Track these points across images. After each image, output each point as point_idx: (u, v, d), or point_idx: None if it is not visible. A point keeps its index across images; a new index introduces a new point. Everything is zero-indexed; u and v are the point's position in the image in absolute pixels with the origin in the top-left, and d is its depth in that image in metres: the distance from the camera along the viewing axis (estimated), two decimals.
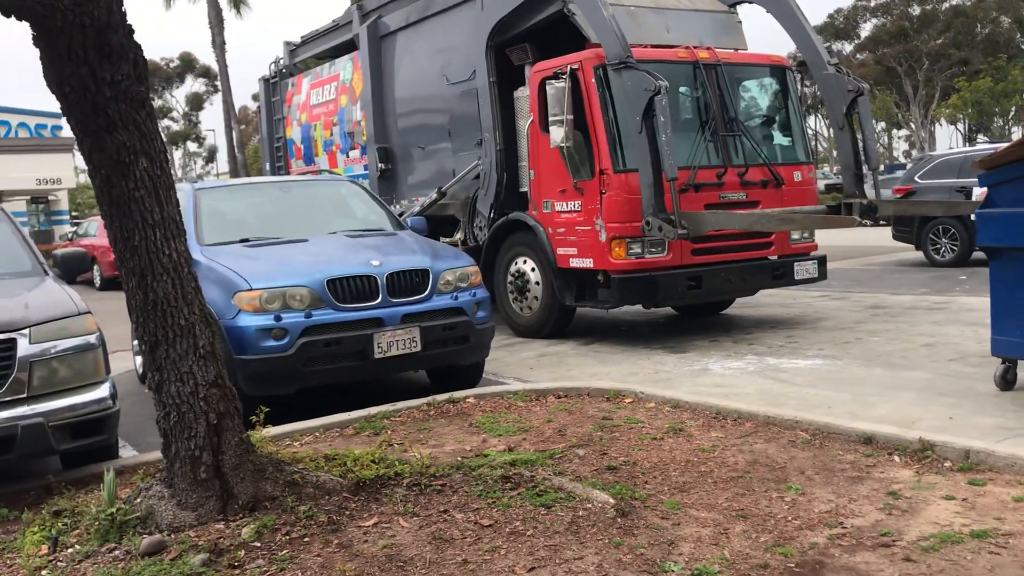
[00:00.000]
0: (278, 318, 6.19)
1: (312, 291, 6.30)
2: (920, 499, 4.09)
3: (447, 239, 10.48)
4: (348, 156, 13.00)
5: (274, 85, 14.97)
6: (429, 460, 4.84)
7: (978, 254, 13.97)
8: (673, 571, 3.48)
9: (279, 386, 6.27)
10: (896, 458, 4.69)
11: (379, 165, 11.98)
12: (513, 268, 9.83)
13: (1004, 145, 6.31)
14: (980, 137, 57.66)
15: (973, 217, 12.99)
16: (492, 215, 10.02)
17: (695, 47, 9.22)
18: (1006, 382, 6.09)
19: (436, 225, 10.45)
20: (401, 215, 9.81)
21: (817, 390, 6.49)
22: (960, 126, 62.15)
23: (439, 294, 6.71)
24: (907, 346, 7.94)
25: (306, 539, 3.92)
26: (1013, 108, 53.95)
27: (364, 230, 7.68)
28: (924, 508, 3.98)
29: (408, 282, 6.62)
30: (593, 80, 8.66)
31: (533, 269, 9.57)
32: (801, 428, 5.29)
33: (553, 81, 8.70)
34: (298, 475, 4.36)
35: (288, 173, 14.38)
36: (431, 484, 4.52)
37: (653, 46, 9.06)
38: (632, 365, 7.94)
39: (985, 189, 6.25)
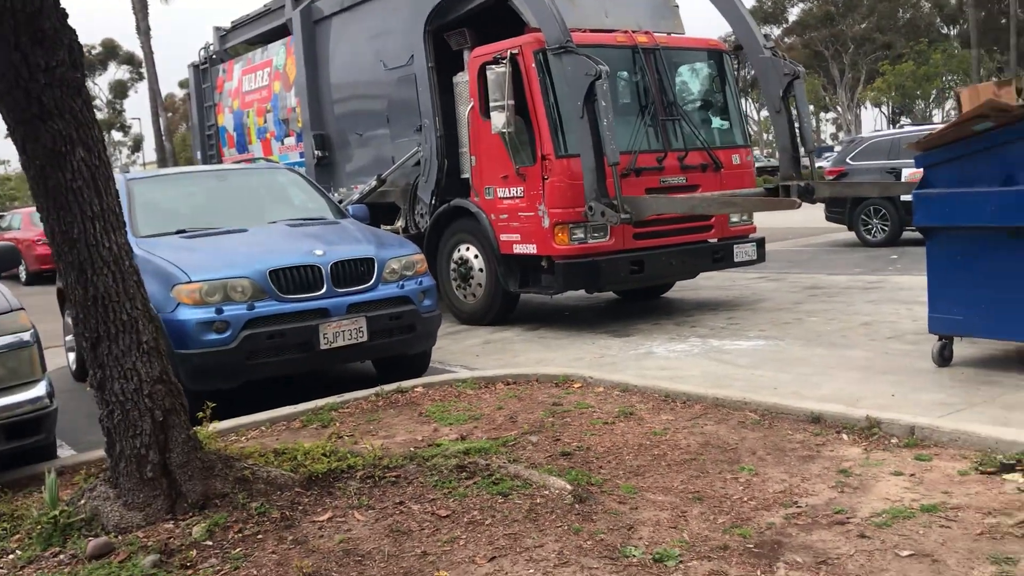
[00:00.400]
0: (219, 311, 6.04)
1: (254, 282, 6.16)
2: (870, 476, 4.17)
3: (388, 227, 10.36)
4: (283, 143, 12.76)
5: (204, 71, 14.60)
6: (381, 451, 4.78)
7: (908, 234, 14.38)
8: (634, 556, 3.49)
9: (222, 380, 6.12)
10: (844, 436, 4.78)
11: (316, 152, 11.79)
12: (456, 255, 9.76)
13: (934, 127, 6.46)
14: (903, 119, 59.23)
15: (904, 198, 13.45)
16: (433, 202, 9.93)
17: (633, 31, 9.25)
18: (943, 358, 6.25)
19: (376, 213, 10.32)
20: (340, 203, 9.67)
21: (761, 371, 6.58)
22: (884, 109, 63.75)
23: (385, 283, 6.62)
24: (845, 326, 8.10)
25: (260, 536, 3.83)
26: (934, 91, 55.50)
27: (305, 219, 7.54)
28: (875, 485, 4.06)
29: (353, 271, 6.52)
30: (533, 65, 8.62)
31: (476, 256, 9.52)
32: (750, 409, 5.36)
33: (493, 66, 8.63)
34: (248, 471, 4.27)
35: (221, 162, 14.06)
36: (385, 476, 4.47)
37: (592, 30, 9.05)
38: (578, 350, 7.96)
39: (916, 170, 6.39)
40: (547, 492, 4.15)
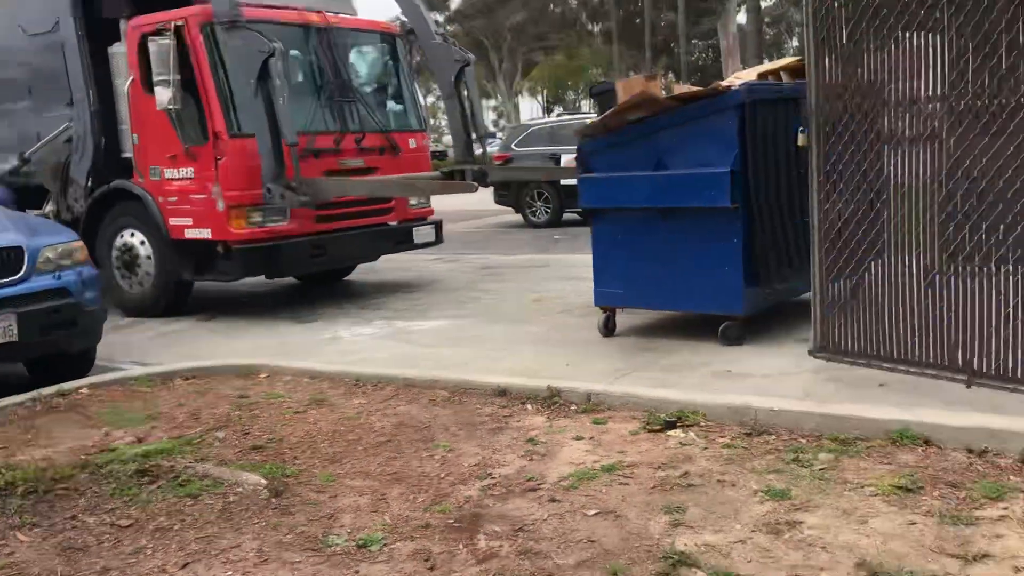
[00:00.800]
0: None
1: None
2: (555, 442, 4.43)
3: (35, 211, 9.30)
4: None
5: None
6: (45, 463, 4.29)
7: (568, 215, 15.46)
8: (338, 544, 3.43)
9: None
10: (529, 407, 5.03)
11: None
12: (119, 242, 8.99)
13: (588, 116, 7.00)
14: (557, 109, 63.48)
15: (564, 182, 14.43)
16: (90, 184, 9.05)
17: (305, 10, 9.03)
18: (608, 329, 6.80)
19: (20, 196, 9.25)
20: None
21: (447, 349, 6.75)
22: (540, 98, 67.87)
23: (39, 274, 5.93)
24: (520, 303, 8.54)
25: None
26: (582, 83, 60.01)
27: None
28: (560, 450, 4.32)
29: None
30: (201, 38, 8.12)
31: (143, 242, 8.83)
32: (440, 387, 5.47)
33: (156, 38, 8.01)
34: None
35: None
36: (52, 489, 4.03)
37: (263, 6, 8.71)
38: (261, 338, 7.67)
39: (574, 156, 6.90)
40: (240, 489, 3.96)
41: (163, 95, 7.98)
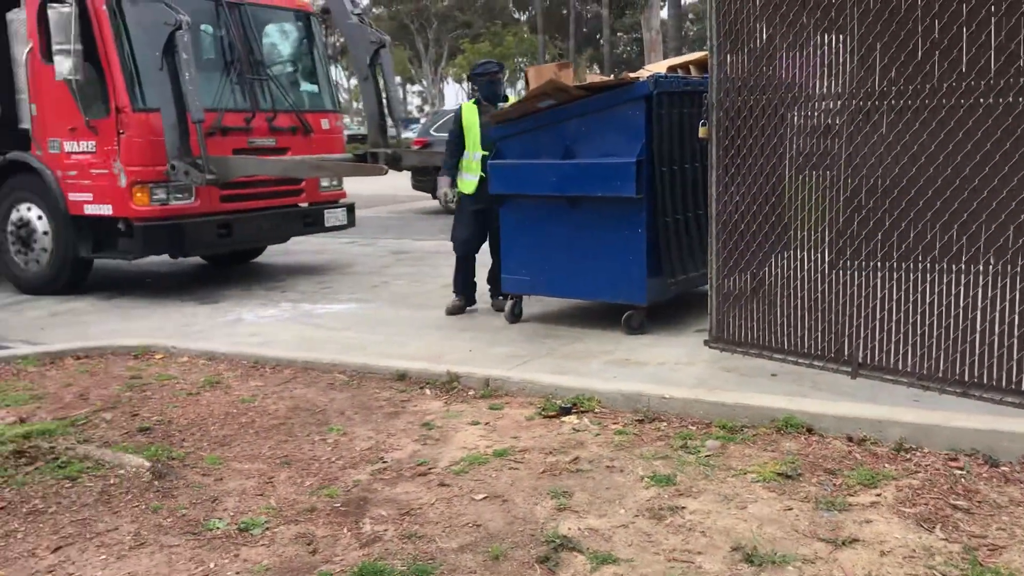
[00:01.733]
0: None
1: None
2: (451, 427, 4.42)
3: None
4: None
5: None
6: None
7: None
8: (219, 528, 3.37)
9: None
10: (428, 391, 5.02)
11: None
12: (15, 216, 8.66)
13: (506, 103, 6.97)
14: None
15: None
16: None
17: None
18: (514, 315, 6.82)
19: None
20: None
21: (352, 332, 6.69)
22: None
23: None
24: (430, 288, 8.49)
25: None
26: (507, 71, 60.00)
27: None
28: (454, 435, 4.32)
29: None
30: (104, 7, 7.86)
31: (40, 217, 8.52)
32: (339, 370, 5.42)
33: (56, 5, 7.71)
34: None
35: None
36: None
37: None
38: (161, 319, 7.48)
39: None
40: (122, 471, 3.85)
41: (63, 65, 7.69)
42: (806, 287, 4.83)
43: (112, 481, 3.77)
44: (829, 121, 4.67)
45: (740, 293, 5.08)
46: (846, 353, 4.61)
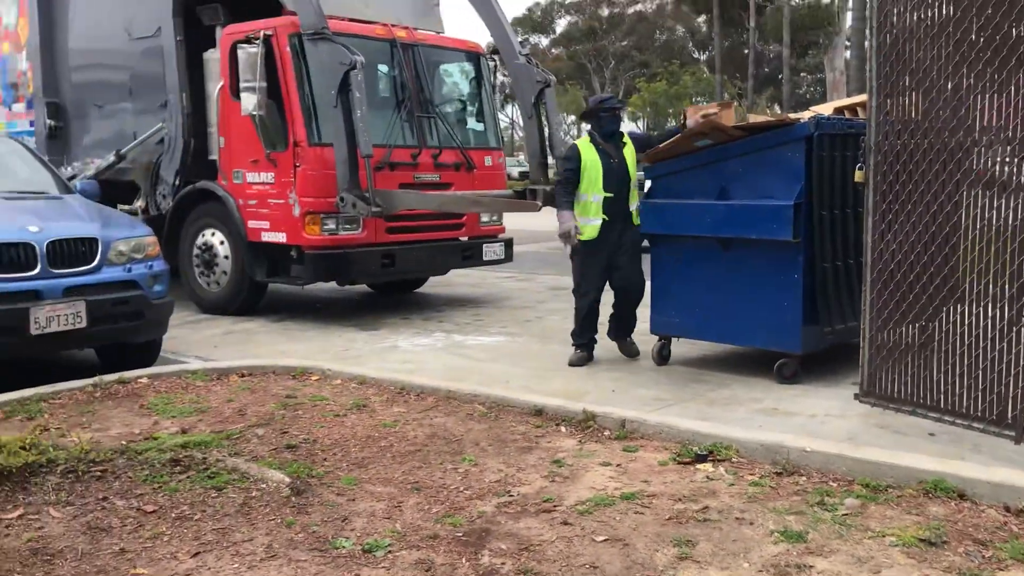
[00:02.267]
0: None
1: None
2: (581, 466, 4.39)
3: (126, 207, 9.74)
4: (11, 110, 11.65)
5: None
6: (90, 445, 4.48)
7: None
8: (344, 547, 3.48)
9: None
10: (563, 428, 5.01)
11: (48, 122, 10.85)
12: (200, 240, 9.34)
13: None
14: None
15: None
16: (177, 183, 9.44)
17: (393, 26, 9.25)
18: (662, 357, 6.71)
19: (115, 191, 9.68)
20: (73, 178, 8.98)
21: (498, 365, 6.78)
22: (640, 123, 67.65)
23: (110, 265, 6.21)
24: None
25: None
26: (681, 111, 59.53)
27: (23, 192, 6.91)
28: (584, 474, 4.28)
29: (73, 251, 6.06)
30: (288, 48, 8.42)
31: (222, 242, 9.15)
32: (479, 402, 5.50)
33: (245, 46, 8.33)
34: None
35: None
36: (90, 470, 4.20)
37: (351, 20, 8.96)
38: (323, 342, 7.85)
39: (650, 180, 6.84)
40: (264, 485, 4.05)
41: (248, 101, 8.27)
42: (971, 343, 4.50)
43: (254, 494, 3.97)
44: (1014, 167, 4.34)
45: (895, 346, 4.80)
46: (1009, 416, 4.26)
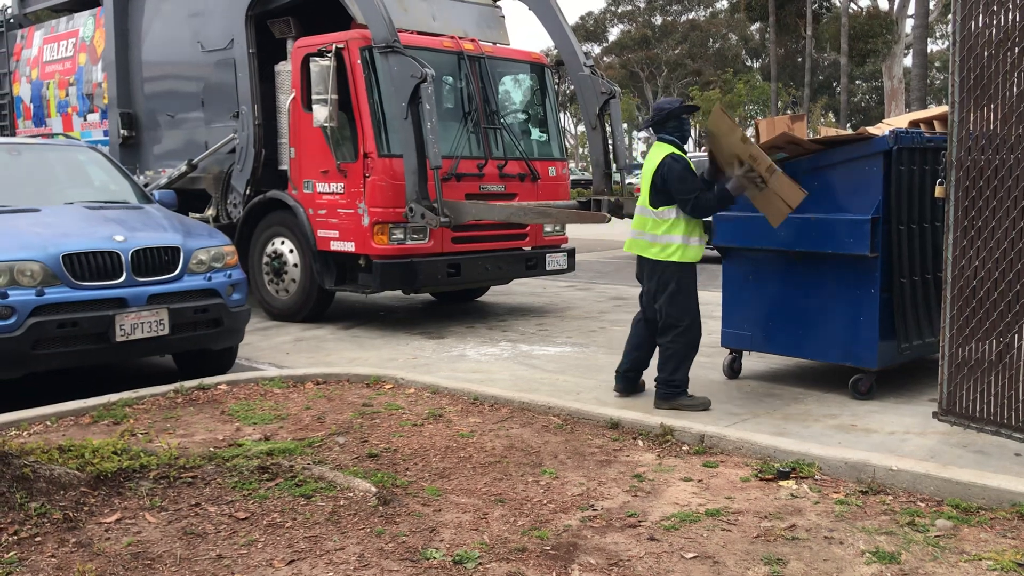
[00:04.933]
0: (4, 295, 5.60)
1: (45, 266, 5.76)
2: (662, 481, 4.39)
3: (196, 215, 9.95)
4: (86, 120, 11.98)
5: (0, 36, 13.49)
6: (178, 451, 4.59)
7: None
8: (435, 558, 3.52)
9: (4, 370, 5.69)
10: (640, 442, 5.01)
11: (122, 131, 11.13)
12: (270, 249, 9.51)
13: None
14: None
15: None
16: (248, 192, 9.63)
17: (460, 38, 9.35)
18: (733, 371, 6.68)
19: (185, 199, 9.87)
20: (145, 187, 9.20)
21: (566, 376, 6.80)
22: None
23: (191, 274, 6.36)
24: None
25: (38, 539, 3.60)
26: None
27: (106, 201, 7.11)
28: (666, 489, 4.29)
29: (156, 260, 6.22)
30: (359, 61, 8.54)
31: (291, 251, 9.30)
32: (554, 414, 5.52)
33: (317, 59, 8.48)
34: (28, 469, 3.98)
35: (14, 135, 13.02)
36: (181, 476, 4.30)
37: (419, 33, 9.08)
38: (391, 350, 7.94)
39: None
40: (351, 494, 4.12)
41: (320, 113, 8.41)
42: None
43: (342, 503, 4.04)
44: None
45: (977, 364, 4.72)
46: None
